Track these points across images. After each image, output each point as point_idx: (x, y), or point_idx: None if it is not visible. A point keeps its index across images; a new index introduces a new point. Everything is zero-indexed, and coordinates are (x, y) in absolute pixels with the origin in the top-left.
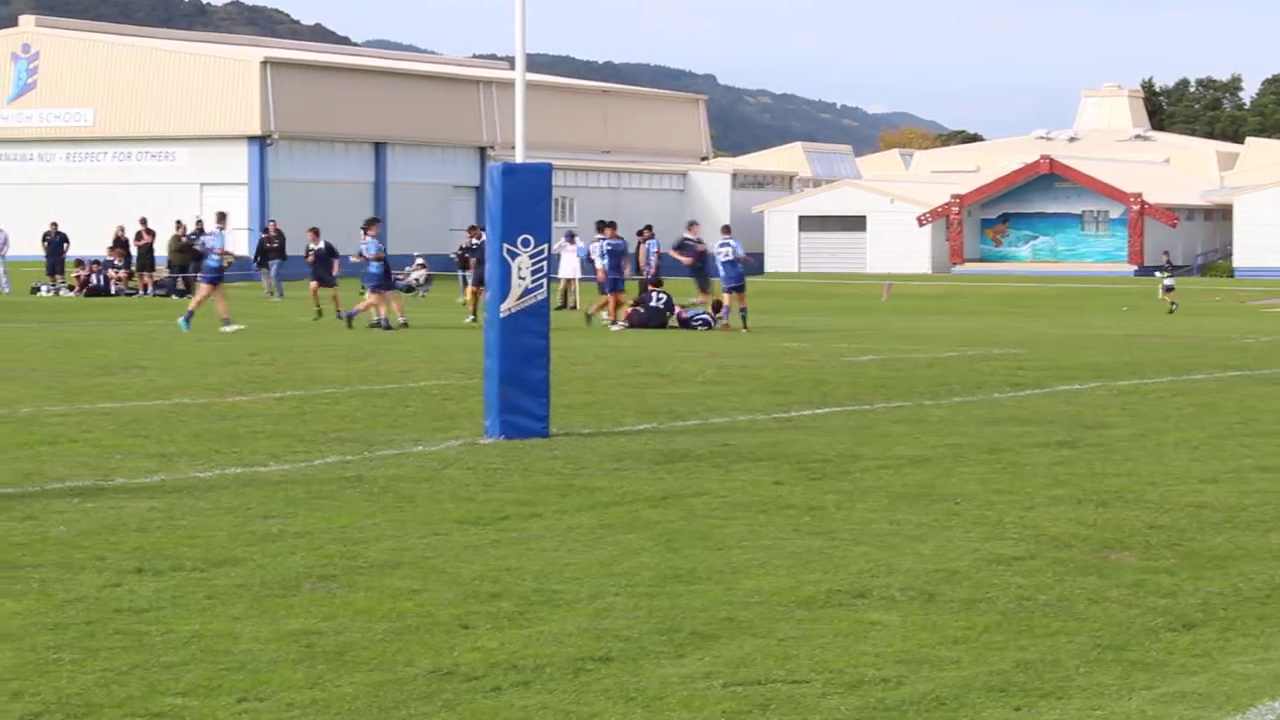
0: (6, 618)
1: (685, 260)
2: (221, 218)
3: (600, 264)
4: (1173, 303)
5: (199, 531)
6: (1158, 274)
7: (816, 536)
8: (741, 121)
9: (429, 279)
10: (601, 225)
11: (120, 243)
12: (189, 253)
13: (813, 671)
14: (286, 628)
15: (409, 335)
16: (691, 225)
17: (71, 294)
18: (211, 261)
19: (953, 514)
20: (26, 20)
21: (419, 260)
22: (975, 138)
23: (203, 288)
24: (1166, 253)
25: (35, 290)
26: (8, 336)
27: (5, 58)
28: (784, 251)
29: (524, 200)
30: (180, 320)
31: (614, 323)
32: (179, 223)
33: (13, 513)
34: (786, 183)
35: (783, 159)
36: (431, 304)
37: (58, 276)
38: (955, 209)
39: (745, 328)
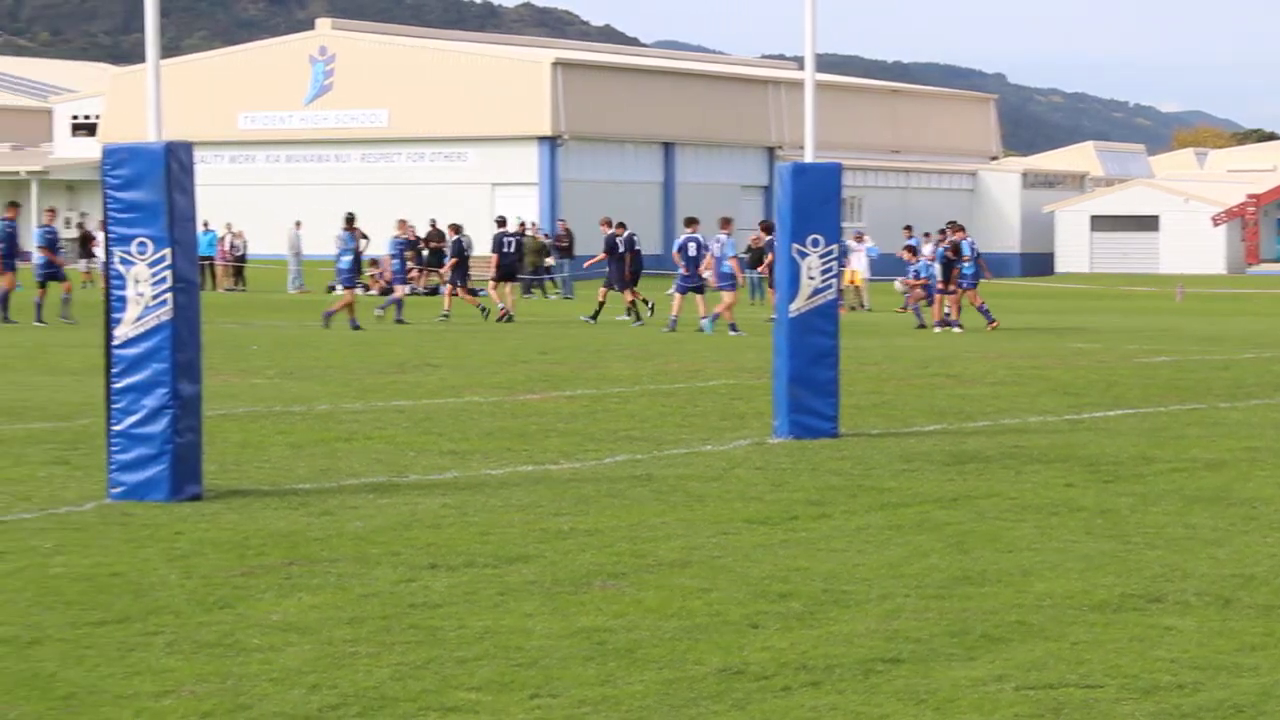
0: (304, 611)
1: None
2: (690, 223)
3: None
4: None
5: (491, 528)
6: None
7: (1109, 540)
8: (1032, 120)
9: None
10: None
11: (413, 242)
12: (544, 254)
13: (1106, 676)
14: (577, 625)
15: (701, 334)
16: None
17: (368, 293)
18: (725, 268)
19: (1250, 518)
20: (323, 24)
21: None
22: (1273, 136)
23: (726, 296)
24: None
25: (331, 289)
26: (305, 335)
27: (303, 60)
28: (1075, 251)
29: (814, 200)
30: (706, 324)
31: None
32: (533, 224)
33: (310, 508)
34: (1078, 182)
35: (1074, 158)
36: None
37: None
38: (1251, 209)
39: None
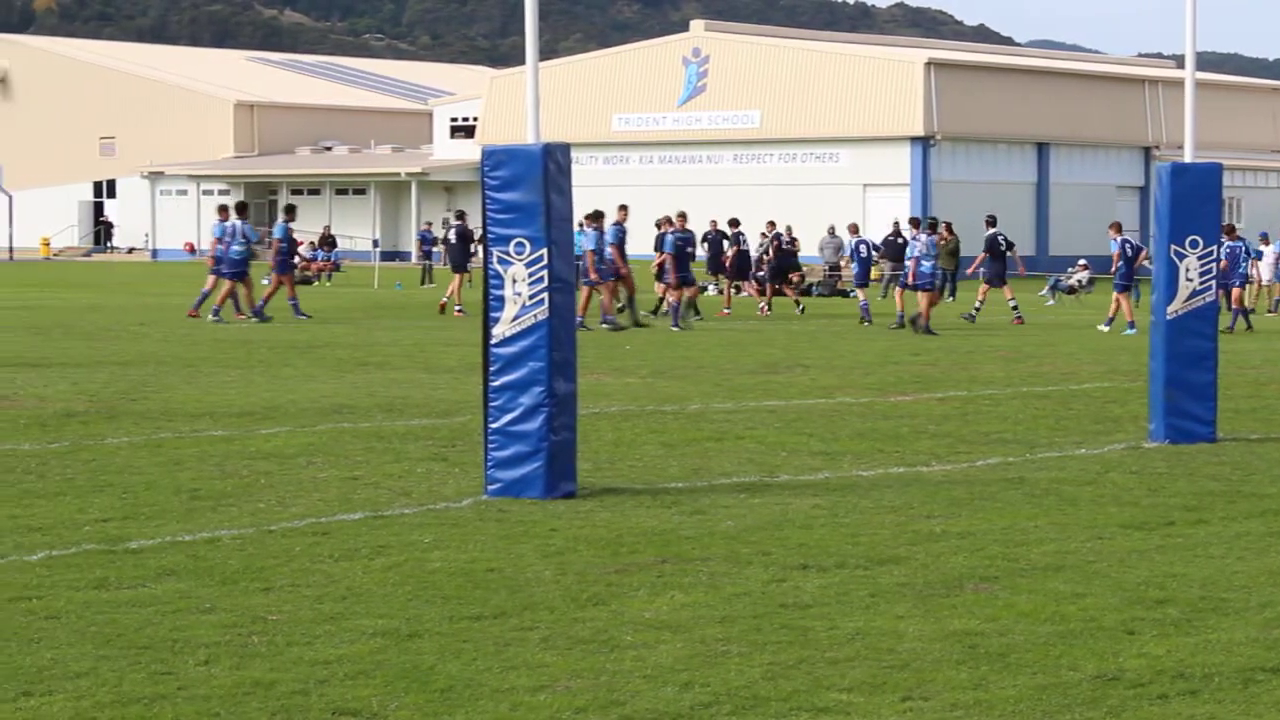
0: (677, 609)
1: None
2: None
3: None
4: None
5: (862, 529)
6: None
7: None
8: None
9: (1091, 280)
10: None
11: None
12: (955, 255)
13: None
14: (949, 627)
15: (1074, 336)
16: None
17: (738, 294)
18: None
19: None
20: (697, 25)
21: (1081, 262)
22: None
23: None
24: None
25: (703, 289)
26: (677, 335)
27: (676, 62)
28: None
29: (1193, 201)
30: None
31: None
32: (948, 225)
33: (682, 507)
34: None
35: None
36: (1091, 306)
37: (719, 275)
38: None
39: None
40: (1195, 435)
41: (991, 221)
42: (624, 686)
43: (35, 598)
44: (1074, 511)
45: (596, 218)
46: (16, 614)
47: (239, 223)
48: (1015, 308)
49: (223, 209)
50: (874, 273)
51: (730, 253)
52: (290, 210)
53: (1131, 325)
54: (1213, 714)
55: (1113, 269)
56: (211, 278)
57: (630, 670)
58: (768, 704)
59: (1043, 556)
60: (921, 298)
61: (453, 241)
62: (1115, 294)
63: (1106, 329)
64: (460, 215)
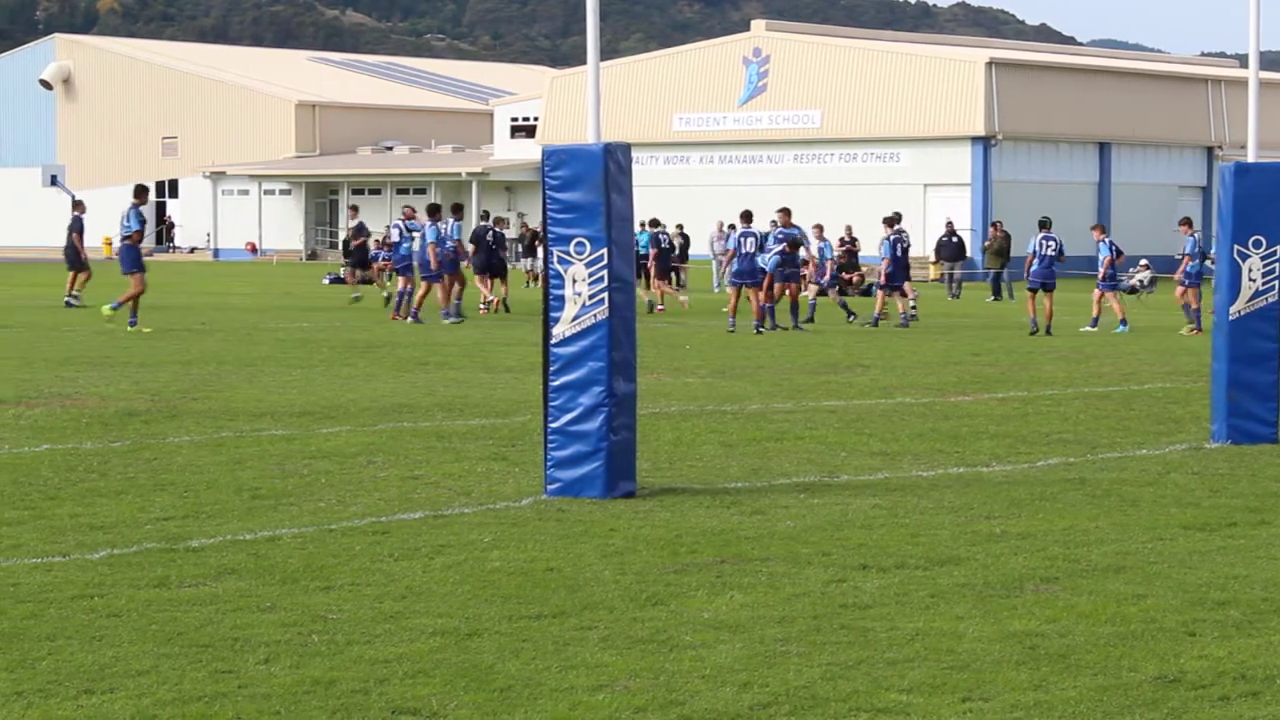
0: (736, 609)
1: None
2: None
3: None
4: None
5: (922, 530)
6: None
7: None
8: None
9: (1153, 280)
10: None
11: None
12: (1003, 255)
13: None
14: (1009, 628)
15: (1135, 336)
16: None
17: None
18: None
19: None
20: (758, 25)
21: (1143, 262)
22: None
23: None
24: None
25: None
26: (735, 335)
27: (737, 62)
28: None
29: (1256, 200)
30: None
31: None
32: (995, 223)
33: (742, 507)
34: None
35: None
36: (1152, 306)
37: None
38: None
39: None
40: (1257, 436)
41: (894, 220)
42: (683, 686)
43: (97, 596)
44: (1135, 512)
45: (747, 218)
46: (78, 612)
47: (443, 225)
48: (913, 308)
49: (409, 210)
50: (934, 272)
51: (653, 253)
52: (458, 209)
53: (1124, 323)
54: (1275, 716)
55: (1102, 272)
56: (401, 279)
57: (689, 670)
58: (827, 704)
59: (1103, 557)
60: (1045, 297)
61: (506, 241)
62: (1101, 293)
63: (1093, 329)
64: (485, 215)
